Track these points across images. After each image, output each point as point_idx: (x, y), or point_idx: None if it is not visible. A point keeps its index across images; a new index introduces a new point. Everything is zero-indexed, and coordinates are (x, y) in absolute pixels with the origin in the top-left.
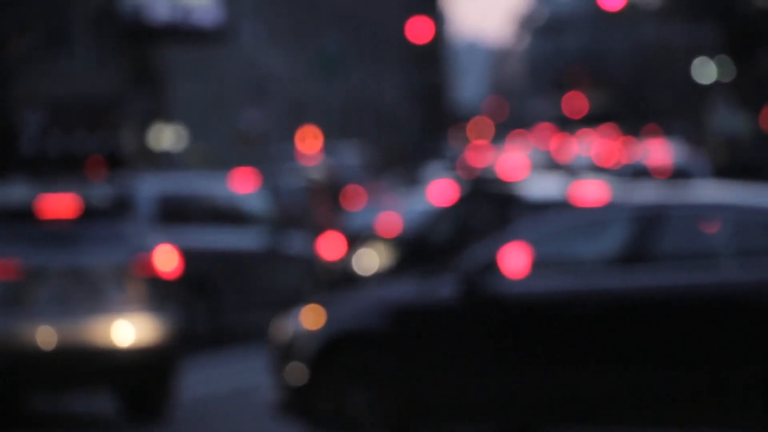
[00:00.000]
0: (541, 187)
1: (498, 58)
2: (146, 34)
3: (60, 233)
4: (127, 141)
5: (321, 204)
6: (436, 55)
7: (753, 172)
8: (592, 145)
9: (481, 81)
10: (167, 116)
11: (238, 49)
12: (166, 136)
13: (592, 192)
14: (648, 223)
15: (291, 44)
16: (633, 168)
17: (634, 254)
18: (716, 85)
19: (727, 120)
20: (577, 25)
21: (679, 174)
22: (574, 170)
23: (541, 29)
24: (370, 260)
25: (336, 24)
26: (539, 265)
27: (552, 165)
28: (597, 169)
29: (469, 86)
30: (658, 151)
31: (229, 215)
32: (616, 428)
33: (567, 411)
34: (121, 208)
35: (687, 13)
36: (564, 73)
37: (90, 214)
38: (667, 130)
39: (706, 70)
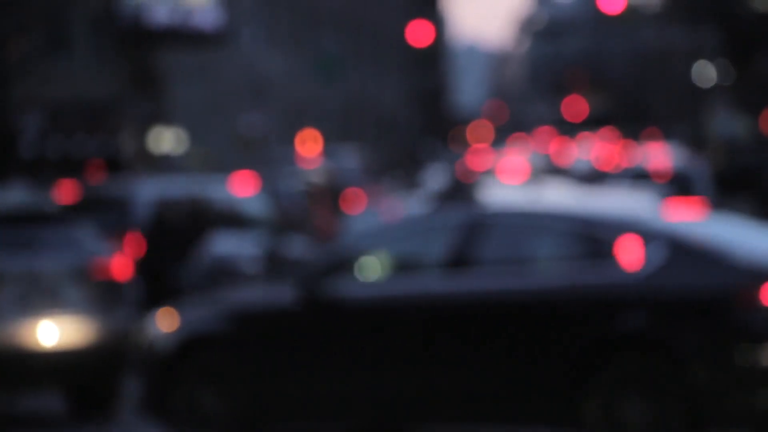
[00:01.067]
0: (507, 193)
1: (498, 61)
2: (146, 36)
3: (17, 238)
4: (126, 144)
5: (321, 207)
6: (435, 58)
7: (752, 176)
8: (591, 148)
9: (480, 84)
10: (167, 119)
11: (238, 52)
12: (165, 139)
13: (553, 198)
14: (473, 230)
15: (290, 47)
16: (633, 171)
17: (461, 259)
18: (716, 88)
19: (727, 123)
20: (576, 29)
21: (678, 177)
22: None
23: (540, 32)
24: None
25: (335, 27)
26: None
27: (552, 168)
28: (597, 173)
29: (468, 89)
30: (658, 155)
31: (229, 219)
32: (452, 426)
33: (405, 410)
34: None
35: (687, 17)
36: (564, 76)
37: (44, 219)
38: (667, 133)
39: (705, 74)
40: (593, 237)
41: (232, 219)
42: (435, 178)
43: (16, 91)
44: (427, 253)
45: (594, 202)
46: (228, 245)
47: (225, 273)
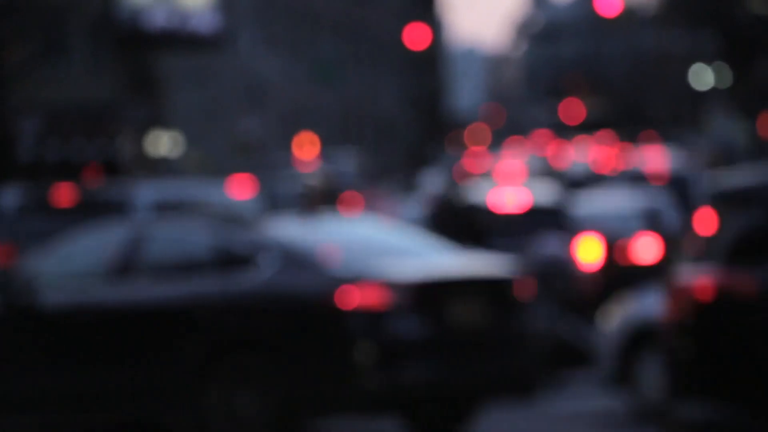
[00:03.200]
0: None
1: (495, 64)
2: (143, 40)
3: None
4: (124, 148)
5: (318, 210)
6: (433, 61)
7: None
8: (589, 151)
9: (478, 87)
10: (164, 123)
11: (236, 56)
12: (163, 143)
13: (516, 198)
14: (133, 242)
15: (288, 51)
16: (630, 174)
17: (123, 268)
18: (713, 91)
19: (725, 127)
20: (574, 32)
21: (676, 180)
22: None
23: (538, 36)
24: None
25: (333, 31)
26: (53, 276)
27: (549, 171)
28: (594, 176)
29: (466, 93)
30: (655, 158)
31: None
32: (108, 416)
33: (77, 406)
34: None
35: (684, 20)
36: (561, 79)
37: None
38: (665, 136)
39: (703, 77)
40: (228, 250)
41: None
42: (432, 180)
43: (14, 95)
44: (96, 263)
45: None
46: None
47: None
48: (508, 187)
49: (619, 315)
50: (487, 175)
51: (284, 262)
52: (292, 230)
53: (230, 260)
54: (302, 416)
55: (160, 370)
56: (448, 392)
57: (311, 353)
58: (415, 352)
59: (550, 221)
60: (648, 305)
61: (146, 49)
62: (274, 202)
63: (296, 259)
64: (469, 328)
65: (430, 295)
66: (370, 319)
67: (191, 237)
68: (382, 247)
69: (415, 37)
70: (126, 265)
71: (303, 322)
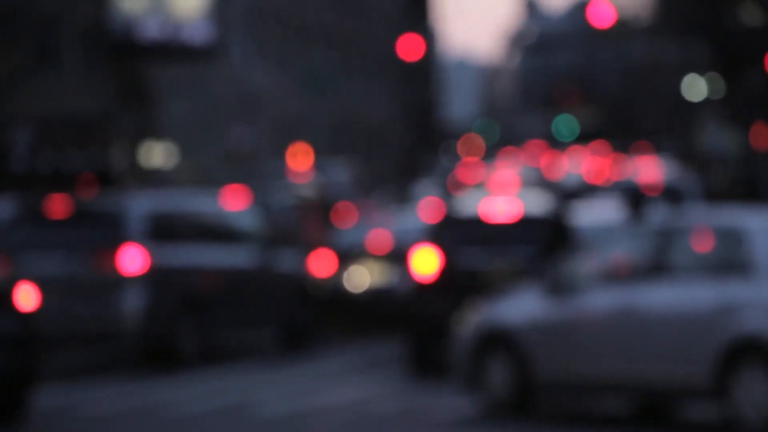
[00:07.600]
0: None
1: (488, 75)
2: (136, 51)
3: None
4: (117, 158)
5: (311, 221)
6: (426, 72)
7: (753, 189)
8: (582, 162)
9: (471, 98)
10: (157, 134)
11: (228, 67)
12: (156, 154)
13: (507, 208)
14: None
15: (281, 61)
16: (623, 185)
17: None
18: (706, 102)
19: (718, 137)
20: (567, 43)
21: (669, 191)
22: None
23: (531, 47)
24: (360, 277)
25: (326, 41)
26: None
27: (543, 182)
28: (587, 186)
29: (459, 103)
30: (649, 169)
31: (220, 233)
32: None
33: None
34: None
35: (677, 31)
36: (554, 90)
37: None
38: (658, 147)
39: (696, 88)
40: None
41: (224, 233)
42: (426, 191)
43: (7, 105)
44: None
45: None
46: None
47: None
48: (501, 197)
49: (473, 321)
50: (480, 185)
51: None
52: None
53: None
54: None
55: None
56: None
57: None
58: None
59: (541, 231)
60: (498, 311)
61: (139, 59)
62: (267, 212)
63: None
64: None
65: None
66: None
67: None
68: None
69: (408, 47)
70: None
71: None
